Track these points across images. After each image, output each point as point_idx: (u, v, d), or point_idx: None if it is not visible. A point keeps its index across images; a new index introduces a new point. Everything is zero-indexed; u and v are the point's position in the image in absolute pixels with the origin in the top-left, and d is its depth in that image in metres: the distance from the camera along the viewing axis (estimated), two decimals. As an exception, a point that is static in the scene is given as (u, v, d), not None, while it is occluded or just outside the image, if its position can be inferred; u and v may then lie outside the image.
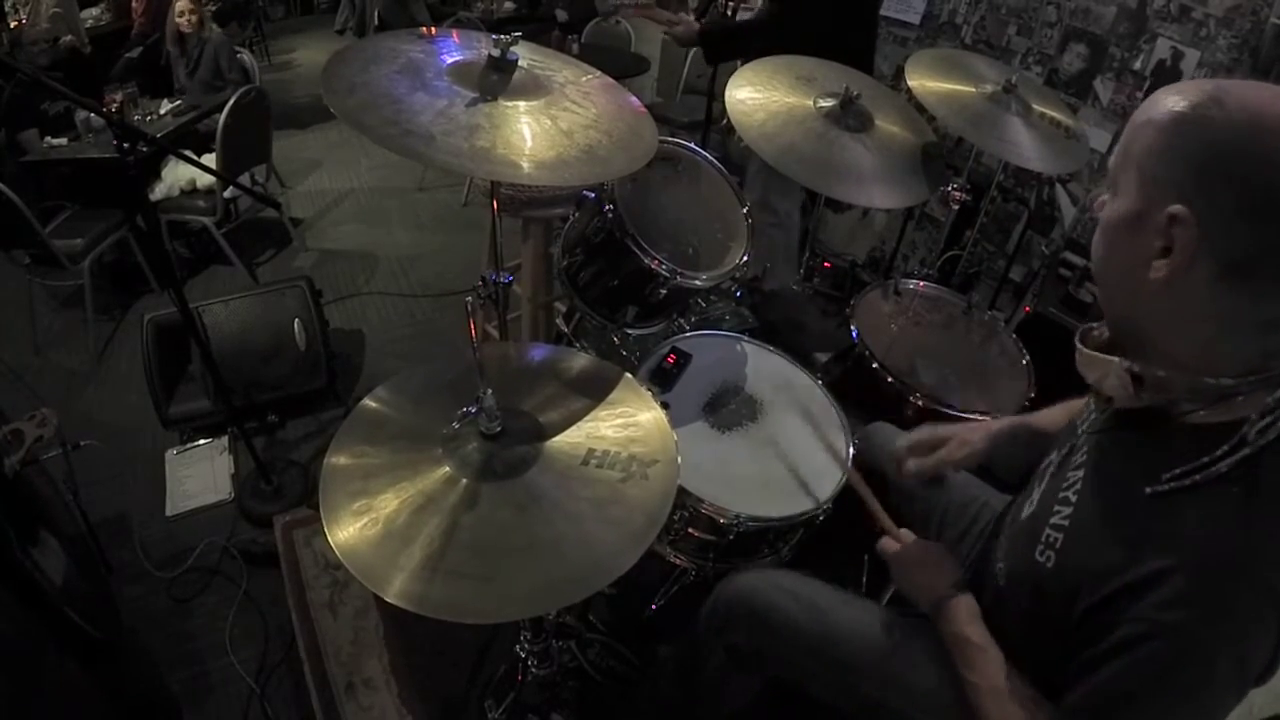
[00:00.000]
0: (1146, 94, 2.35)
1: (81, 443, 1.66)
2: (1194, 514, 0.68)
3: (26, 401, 1.67)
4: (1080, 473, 0.83)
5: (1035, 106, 1.72)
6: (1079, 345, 0.81)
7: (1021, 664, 0.85)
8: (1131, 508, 0.73)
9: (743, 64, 1.69)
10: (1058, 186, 2.69)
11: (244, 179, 3.39)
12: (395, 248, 3.55)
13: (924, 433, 1.18)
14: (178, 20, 3.46)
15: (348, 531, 0.85)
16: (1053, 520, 0.83)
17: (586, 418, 1.01)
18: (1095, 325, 0.85)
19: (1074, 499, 0.82)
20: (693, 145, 1.57)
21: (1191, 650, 0.66)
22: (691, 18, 2.46)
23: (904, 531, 1.10)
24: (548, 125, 1.05)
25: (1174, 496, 0.69)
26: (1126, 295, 0.74)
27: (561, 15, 4.90)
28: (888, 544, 1.09)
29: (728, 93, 1.58)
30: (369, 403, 1.03)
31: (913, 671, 0.98)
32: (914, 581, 1.02)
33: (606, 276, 1.47)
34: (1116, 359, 0.75)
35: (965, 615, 0.92)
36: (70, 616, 1.34)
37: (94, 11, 4.62)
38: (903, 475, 1.17)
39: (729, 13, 2.33)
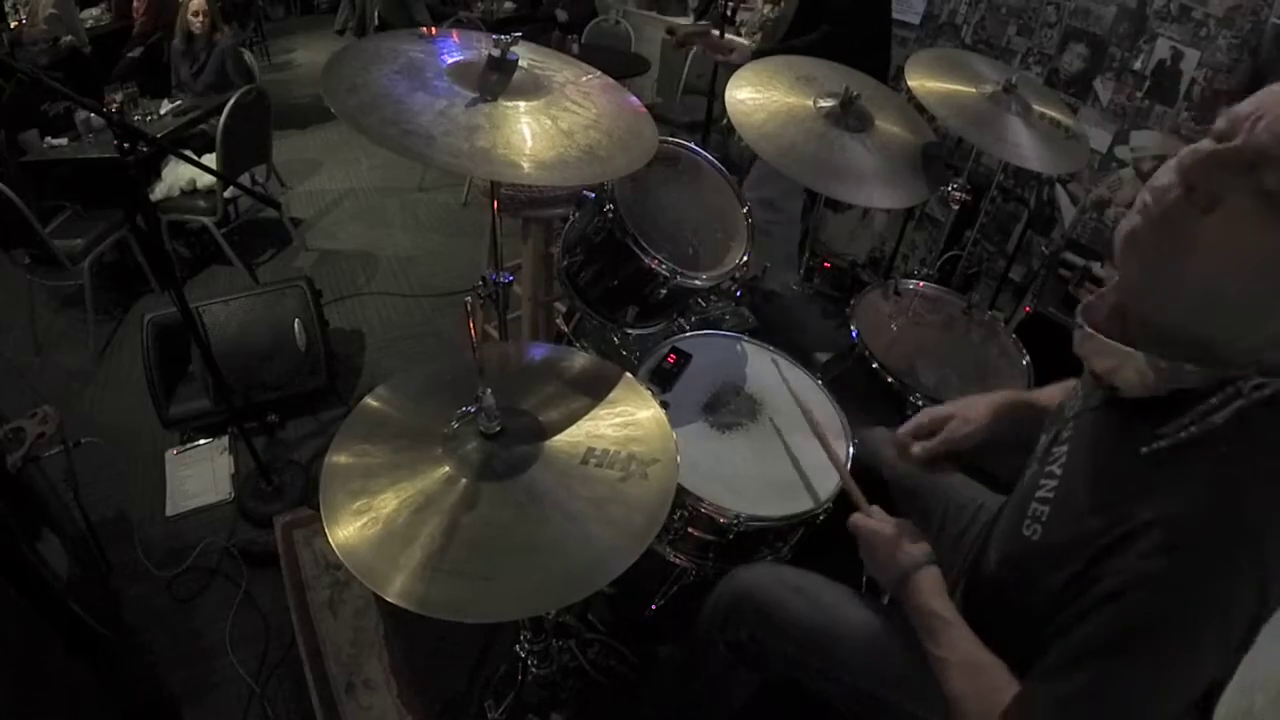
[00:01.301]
0: (1146, 94, 2.37)
1: (83, 440, 1.66)
2: (1183, 470, 0.68)
3: (28, 401, 1.67)
4: (1065, 447, 0.83)
5: (1035, 106, 1.72)
6: (1088, 330, 0.79)
7: (1015, 651, 0.83)
8: (1121, 470, 0.74)
9: None
10: (1058, 186, 2.70)
11: (244, 179, 3.39)
12: (395, 248, 3.55)
13: (923, 416, 1.16)
14: (190, 19, 3.46)
15: (348, 530, 0.85)
16: (1038, 494, 0.83)
17: (586, 417, 1.01)
18: (1095, 302, 0.83)
19: (1059, 472, 0.82)
20: (693, 145, 1.57)
21: (1173, 601, 0.66)
22: (691, 19, 2.46)
23: (874, 508, 1.07)
24: (548, 125, 1.05)
25: (1166, 455, 0.70)
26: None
27: (562, 15, 4.90)
28: (856, 519, 1.06)
29: (728, 93, 1.58)
30: (369, 402, 1.03)
31: (914, 669, 0.97)
32: (879, 556, 1.00)
33: (606, 276, 1.47)
34: (1138, 353, 0.73)
35: (928, 587, 0.92)
36: (74, 611, 1.34)
37: (94, 11, 4.63)
38: (908, 460, 1.14)
39: (728, 13, 2.33)
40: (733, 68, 2.25)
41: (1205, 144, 0.68)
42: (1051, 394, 1.11)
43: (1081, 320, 0.81)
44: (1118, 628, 0.68)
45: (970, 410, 1.13)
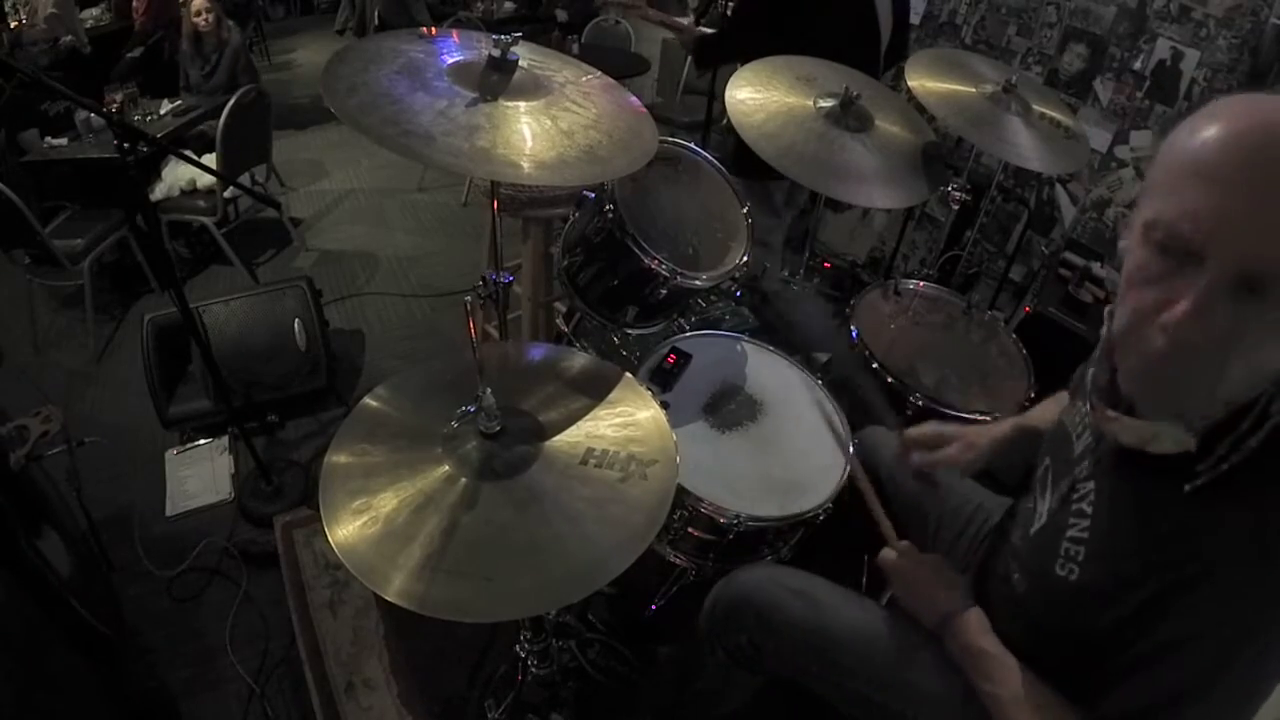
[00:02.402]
0: (1146, 94, 2.37)
1: (86, 439, 1.66)
2: (1233, 503, 0.67)
3: (29, 400, 1.67)
4: (1091, 483, 0.81)
5: (1035, 106, 1.72)
6: (1110, 414, 0.76)
7: (1039, 669, 0.84)
8: (1164, 511, 0.72)
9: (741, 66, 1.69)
10: (1058, 186, 2.70)
11: (244, 179, 3.39)
12: (395, 248, 3.55)
13: (929, 429, 1.18)
14: (194, 19, 3.46)
15: (347, 530, 0.85)
16: (1070, 534, 0.81)
17: (586, 417, 1.01)
18: (1098, 377, 0.80)
19: (1089, 510, 0.80)
20: (693, 145, 1.57)
21: (1244, 643, 0.66)
22: (691, 19, 2.46)
23: (904, 544, 1.08)
24: (548, 125, 1.05)
25: (1208, 490, 0.68)
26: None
27: (562, 15, 4.91)
28: (888, 558, 1.06)
29: (728, 93, 1.58)
30: (369, 402, 1.03)
31: (915, 673, 0.98)
32: (918, 596, 1.00)
33: (606, 276, 1.47)
34: (1172, 427, 0.70)
35: (977, 628, 0.91)
36: (75, 609, 1.34)
37: (94, 11, 4.62)
38: (904, 462, 1.17)
39: (728, 12, 2.33)
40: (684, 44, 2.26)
41: (1183, 304, 0.63)
42: (1047, 413, 1.10)
43: (1095, 402, 0.79)
44: (1191, 674, 0.68)
45: (976, 437, 1.14)
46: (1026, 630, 0.88)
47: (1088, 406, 0.85)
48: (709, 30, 2.27)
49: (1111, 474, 0.79)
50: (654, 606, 1.55)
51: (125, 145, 1.49)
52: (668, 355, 1.46)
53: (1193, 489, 0.69)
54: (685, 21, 2.34)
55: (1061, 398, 1.09)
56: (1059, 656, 0.81)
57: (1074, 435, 0.88)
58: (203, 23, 3.46)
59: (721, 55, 2.24)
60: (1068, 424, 0.91)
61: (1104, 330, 0.79)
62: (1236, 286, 0.60)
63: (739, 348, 1.55)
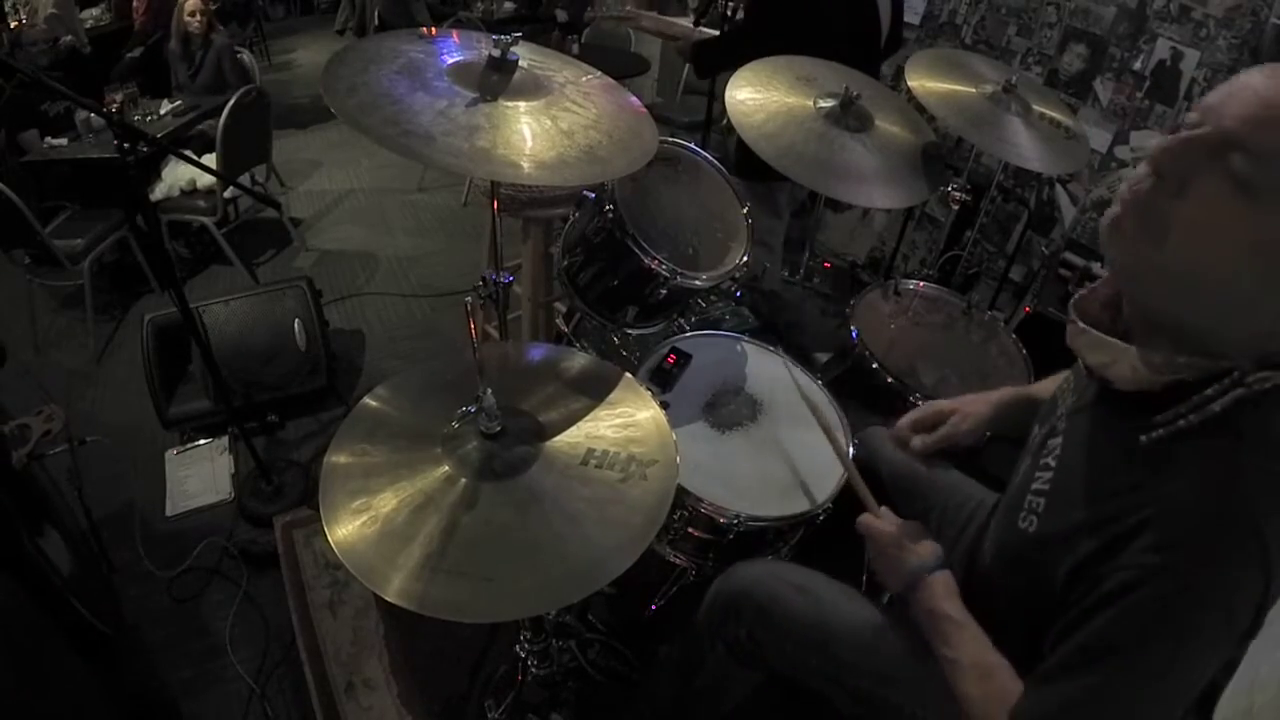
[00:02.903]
0: (1146, 94, 2.37)
1: (88, 439, 1.66)
2: (1185, 462, 0.68)
3: (31, 399, 1.67)
4: (1060, 440, 0.83)
5: (1035, 107, 1.72)
6: (1081, 325, 0.79)
7: (1011, 645, 0.84)
8: (1119, 460, 0.73)
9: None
10: (1058, 186, 2.70)
11: (244, 179, 3.39)
12: (395, 248, 3.55)
13: (925, 409, 1.17)
14: (186, 19, 3.46)
15: (347, 530, 0.85)
16: (1034, 486, 0.83)
17: (586, 418, 1.01)
18: (1088, 295, 0.83)
19: (1053, 463, 0.82)
20: (693, 145, 1.57)
21: (1178, 597, 0.66)
22: (690, 20, 2.46)
23: (883, 510, 1.07)
24: (548, 125, 1.05)
25: (1165, 445, 0.69)
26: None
27: (561, 15, 4.90)
28: (866, 520, 1.06)
29: (728, 93, 1.58)
30: (369, 402, 1.03)
31: (916, 669, 0.97)
32: (889, 558, 1.00)
33: (606, 276, 1.47)
34: (1132, 347, 0.73)
35: (941, 591, 0.92)
36: (76, 608, 1.34)
37: (94, 11, 4.62)
38: (906, 452, 1.15)
39: (728, 14, 2.33)
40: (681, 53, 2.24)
41: (1179, 133, 0.68)
42: (1048, 387, 1.11)
43: (1074, 314, 0.82)
44: (1124, 627, 0.68)
45: (971, 406, 1.14)
46: (992, 605, 0.88)
47: (1072, 373, 0.88)
48: (708, 33, 2.27)
49: (1082, 425, 0.81)
50: (654, 606, 1.56)
51: (125, 145, 1.49)
52: (668, 355, 1.46)
53: (1148, 440, 0.70)
54: (684, 23, 2.33)
55: (1060, 376, 1.09)
56: (1028, 629, 0.81)
57: (1059, 400, 0.90)
58: (195, 24, 3.46)
59: (724, 61, 2.22)
60: (1058, 393, 0.92)
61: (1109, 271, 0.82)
62: (1212, 153, 0.64)
63: (739, 348, 1.55)
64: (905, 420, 1.17)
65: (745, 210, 1.53)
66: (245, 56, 3.70)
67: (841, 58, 1.78)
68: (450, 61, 1.10)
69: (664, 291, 1.42)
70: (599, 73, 1.26)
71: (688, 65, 4.08)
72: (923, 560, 0.95)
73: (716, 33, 2.27)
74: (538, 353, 1.18)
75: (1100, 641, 0.69)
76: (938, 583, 0.93)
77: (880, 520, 1.04)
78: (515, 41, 1.10)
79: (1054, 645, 0.74)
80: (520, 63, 1.12)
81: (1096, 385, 0.81)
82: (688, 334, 1.56)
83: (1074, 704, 0.70)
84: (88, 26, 4.28)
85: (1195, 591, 0.66)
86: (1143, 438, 0.71)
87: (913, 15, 3.11)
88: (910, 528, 1.02)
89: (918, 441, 1.14)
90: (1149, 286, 0.73)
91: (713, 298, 1.72)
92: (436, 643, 1.68)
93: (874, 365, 1.60)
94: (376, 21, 5.73)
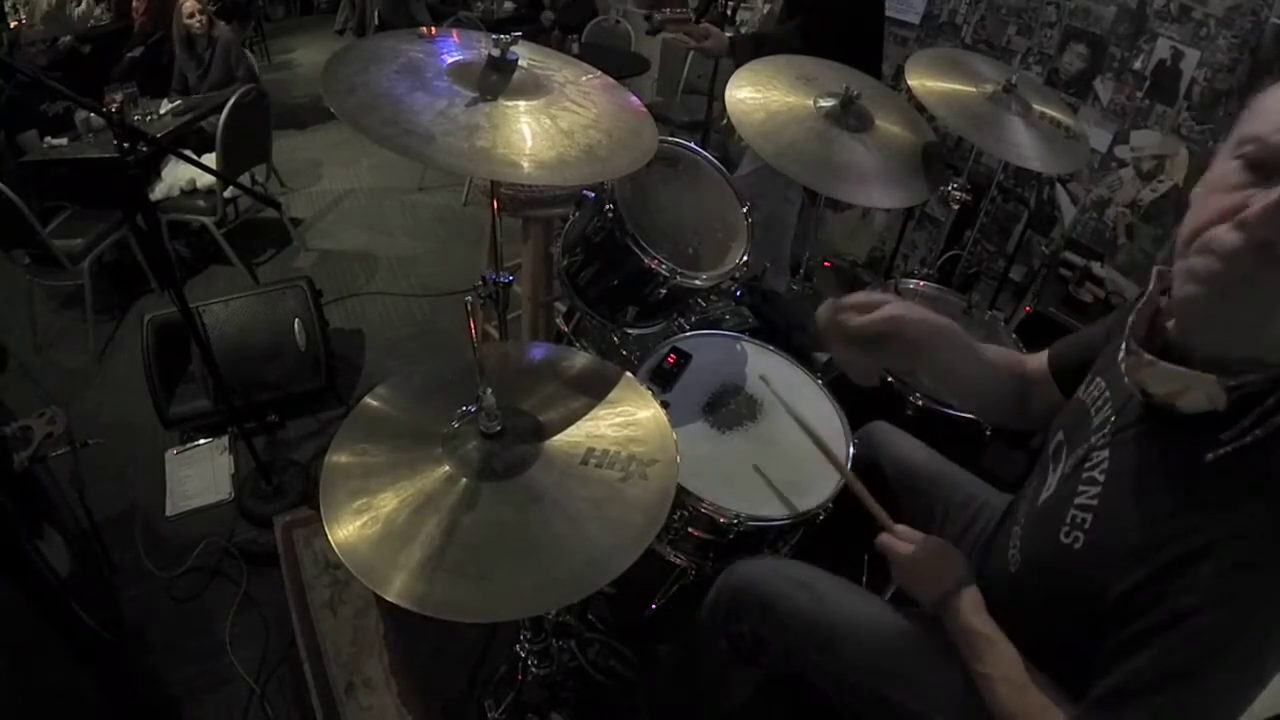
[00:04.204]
0: (1146, 94, 2.37)
1: (89, 441, 1.66)
2: (1253, 476, 0.66)
3: (32, 400, 1.67)
4: (1107, 451, 0.80)
5: (1035, 106, 1.72)
6: (1148, 356, 0.74)
7: (1035, 654, 0.84)
8: (1181, 478, 0.71)
9: None
10: (1058, 186, 2.70)
11: (244, 179, 3.39)
12: (395, 248, 3.55)
13: (857, 296, 1.01)
14: (187, 22, 3.45)
15: (347, 530, 0.85)
16: (1078, 500, 0.81)
17: (586, 417, 1.01)
18: (1138, 321, 0.78)
19: (1101, 478, 0.79)
20: (693, 145, 1.57)
21: (1252, 620, 0.64)
22: (691, 18, 2.45)
23: (902, 528, 1.07)
24: (548, 125, 1.05)
25: (1232, 461, 0.67)
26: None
27: (548, 17, 4.87)
28: (888, 540, 1.05)
29: (728, 93, 1.58)
30: (370, 401, 1.03)
31: (918, 666, 0.97)
32: (918, 577, 1.00)
33: (606, 276, 1.47)
34: (1210, 376, 0.68)
35: (971, 607, 0.91)
36: (74, 610, 1.34)
37: (95, 11, 4.62)
38: (838, 329, 0.99)
39: (728, 12, 2.33)
40: (716, 60, 2.21)
41: (1267, 196, 0.62)
42: (996, 352, 1.09)
43: (1134, 344, 0.77)
44: (1195, 650, 0.66)
45: (916, 310, 0.99)
46: (1018, 613, 0.87)
47: (1104, 382, 0.85)
48: (741, 34, 2.24)
49: (1131, 442, 0.78)
50: (654, 606, 1.56)
51: (125, 145, 1.49)
52: (668, 355, 1.46)
53: (1215, 458, 0.68)
54: (714, 30, 2.28)
55: (1007, 353, 1.10)
56: (1053, 638, 0.80)
57: (1092, 410, 0.87)
58: (195, 24, 3.45)
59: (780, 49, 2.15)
60: (1085, 400, 0.90)
61: (1150, 287, 0.79)
62: None
63: (739, 348, 1.55)
64: (847, 299, 1.00)
65: (745, 210, 1.53)
66: (247, 56, 3.70)
67: (852, 46, 1.78)
68: (450, 61, 1.10)
69: (664, 291, 1.42)
70: (599, 72, 1.26)
71: (687, 66, 4.10)
72: (956, 578, 0.95)
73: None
74: (538, 352, 1.18)
75: (1170, 664, 0.67)
76: (966, 599, 0.92)
77: (901, 541, 1.04)
78: (515, 41, 1.10)
79: (1108, 664, 0.72)
80: (520, 62, 1.12)
81: (1142, 402, 0.78)
82: (688, 334, 1.56)
83: None
84: (88, 26, 4.27)
85: (1266, 615, 0.64)
86: (1209, 455, 0.68)
87: (913, 15, 3.11)
88: (933, 544, 1.02)
89: (856, 321, 0.97)
90: (1238, 340, 0.68)
91: (713, 298, 1.72)
92: (436, 643, 1.68)
93: (874, 365, 1.60)
94: (376, 21, 5.72)
